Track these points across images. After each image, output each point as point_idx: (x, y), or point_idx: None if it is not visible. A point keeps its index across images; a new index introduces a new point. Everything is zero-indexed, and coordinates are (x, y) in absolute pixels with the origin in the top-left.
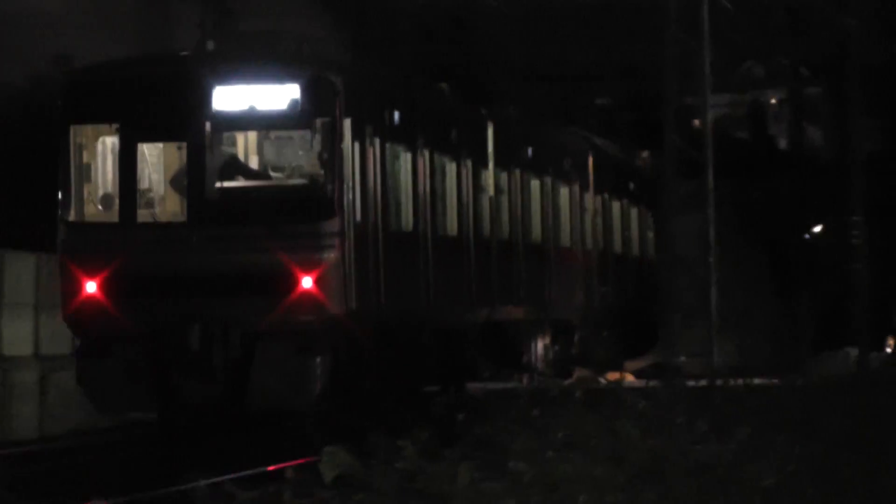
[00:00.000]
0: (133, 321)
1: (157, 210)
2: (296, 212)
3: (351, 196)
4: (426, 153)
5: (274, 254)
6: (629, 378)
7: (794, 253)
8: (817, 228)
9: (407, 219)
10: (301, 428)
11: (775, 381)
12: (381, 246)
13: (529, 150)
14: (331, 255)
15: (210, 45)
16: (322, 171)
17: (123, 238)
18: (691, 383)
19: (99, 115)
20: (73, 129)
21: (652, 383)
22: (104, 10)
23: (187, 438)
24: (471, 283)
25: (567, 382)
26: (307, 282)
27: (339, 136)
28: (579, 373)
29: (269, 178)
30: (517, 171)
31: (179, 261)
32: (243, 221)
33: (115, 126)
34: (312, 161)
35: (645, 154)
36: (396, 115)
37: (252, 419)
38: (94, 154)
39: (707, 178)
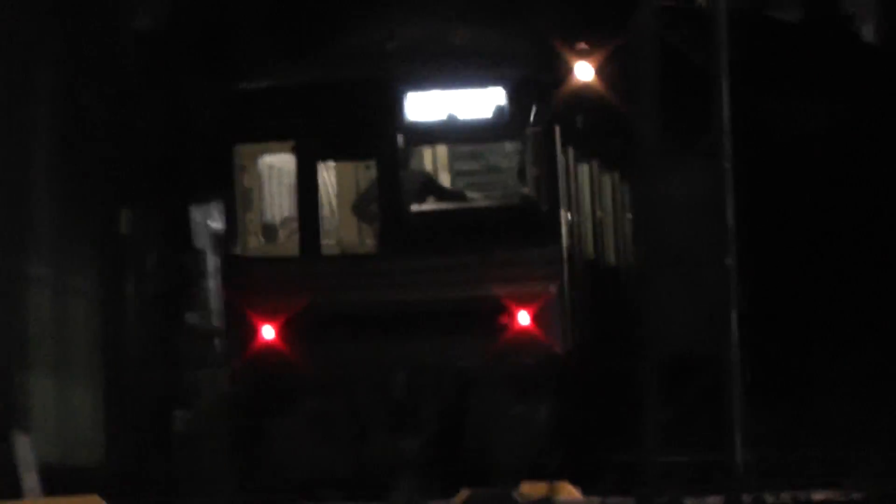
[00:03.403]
0: (321, 370)
1: (333, 240)
2: (509, 237)
3: (566, 216)
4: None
5: (486, 286)
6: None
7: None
8: None
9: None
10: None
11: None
12: (592, 273)
13: None
14: (551, 286)
15: (392, 45)
16: (535, 189)
17: (306, 274)
18: None
19: (271, 133)
20: (238, 150)
21: None
22: None
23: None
24: None
25: None
26: (524, 317)
27: (553, 148)
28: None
29: (465, 198)
30: None
31: (374, 297)
32: (447, 250)
33: (289, 144)
34: (520, 177)
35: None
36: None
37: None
38: (254, 177)
39: (720, 100)
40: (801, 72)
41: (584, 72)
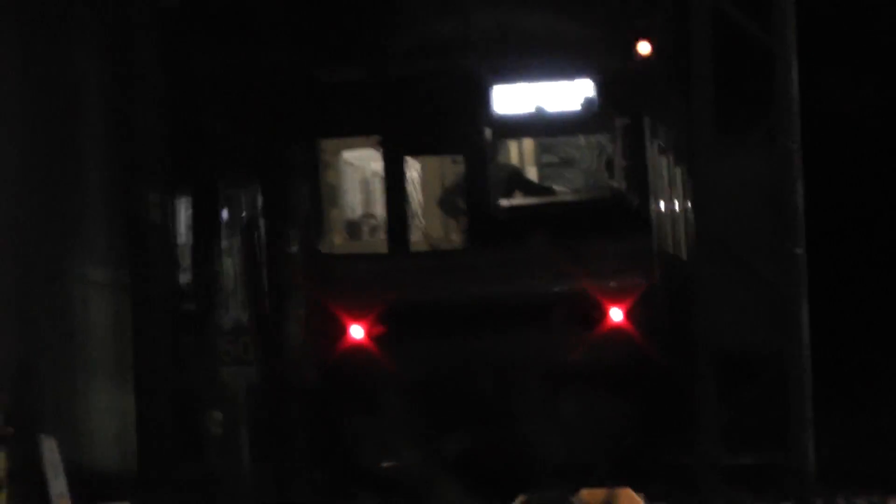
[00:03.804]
0: (410, 368)
1: (419, 236)
2: (599, 231)
3: (657, 210)
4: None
5: (576, 281)
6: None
7: None
8: None
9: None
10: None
11: None
12: (683, 268)
13: None
14: (643, 282)
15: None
16: (624, 182)
17: (395, 271)
18: None
19: (356, 127)
20: (321, 144)
21: None
22: None
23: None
24: None
25: None
26: (617, 314)
27: (643, 140)
28: None
29: (552, 192)
30: None
31: (464, 294)
32: (536, 245)
33: (375, 139)
34: (609, 170)
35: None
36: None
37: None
38: (337, 172)
39: (787, 76)
40: (873, 48)
41: (644, 50)
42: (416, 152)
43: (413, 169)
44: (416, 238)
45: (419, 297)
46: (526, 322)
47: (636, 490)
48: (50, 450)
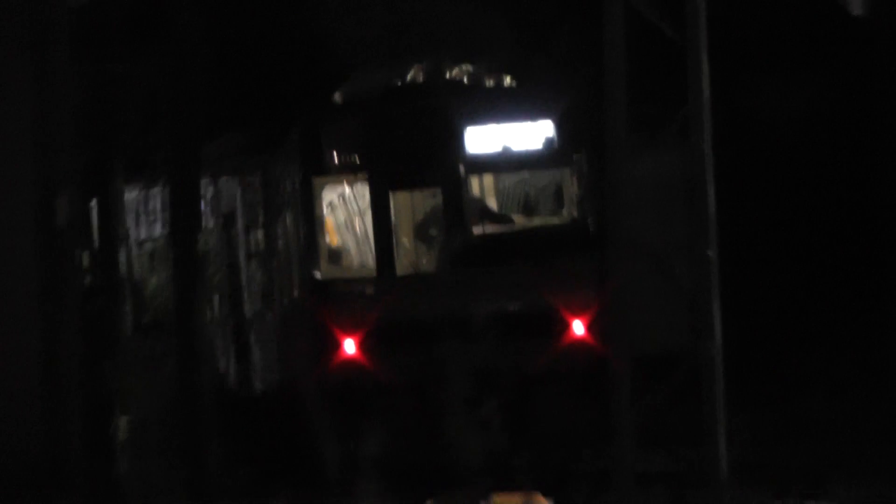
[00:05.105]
0: (395, 377)
1: (404, 260)
2: (562, 253)
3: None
4: None
5: (543, 298)
6: None
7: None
8: None
9: None
10: None
11: None
12: None
13: None
14: (602, 297)
15: (446, 74)
16: (580, 208)
17: (383, 292)
18: None
19: (347, 165)
20: (315, 181)
21: None
22: None
23: None
24: None
25: None
26: (578, 327)
27: (597, 169)
28: None
29: (511, 220)
30: None
31: (444, 311)
32: (506, 264)
33: (362, 175)
34: (569, 198)
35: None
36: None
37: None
38: (321, 204)
39: (698, 73)
40: (785, 45)
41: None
42: (398, 187)
43: (394, 200)
44: (402, 263)
45: (404, 314)
46: (498, 334)
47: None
48: None
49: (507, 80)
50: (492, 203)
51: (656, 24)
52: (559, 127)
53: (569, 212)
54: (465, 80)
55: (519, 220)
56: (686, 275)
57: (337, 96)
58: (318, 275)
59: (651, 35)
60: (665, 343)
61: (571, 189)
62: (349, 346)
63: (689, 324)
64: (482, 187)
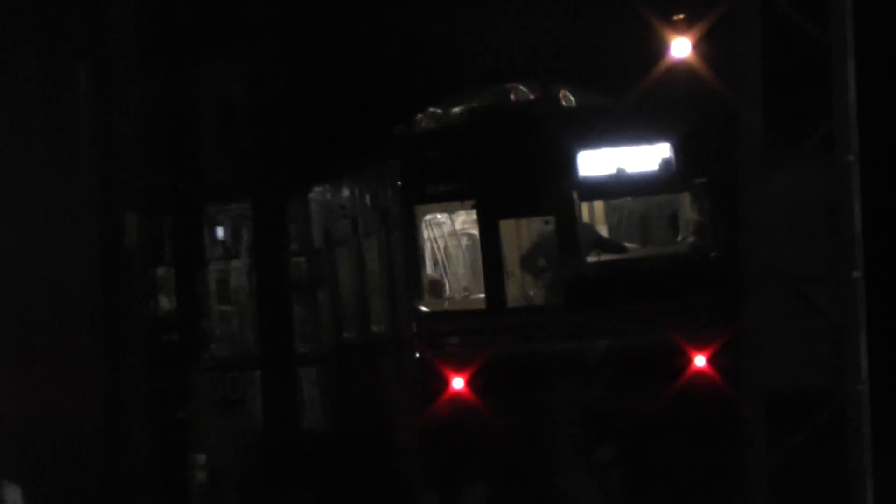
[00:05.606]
0: (508, 419)
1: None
2: (682, 284)
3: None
4: None
5: (662, 332)
6: None
7: None
8: None
9: None
10: None
11: None
12: None
13: None
14: (726, 330)
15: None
16: (702, 237)
17: (494, 326)
18: None
19: (451, 193)
20: (417, 210)
21: None
22: None
23: None
24: None
25: None
26: (700, 361)
27: (720, 197)
28: None
29: (625, 249)
30: None
31: (558, 347)
32: (626, 299)
33: (467, 203)
34: (687, 226)
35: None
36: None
37: None
38: (422, 233)
39: (843, 81)
40: None
41: (680, 49)
42: (509, 215)
43: (504, 230)
44: (514, 295)
45: (517, 350)
46: (615, 371)
47: None
48: (13, 499)
49: (622, 102)
50: (602, 230)
51: (798, 25)
52: (678, 150)
53: (686, 239)
54: (576, 102)
55: (632, 248)
56: (828, 303)
57: (438, 121)
58: (421, 307)
59: (790, 38)
60: (803, 380)
61: (689, 215)
62: (457, 383)
63: (832, 358)
64: (592, 213)
